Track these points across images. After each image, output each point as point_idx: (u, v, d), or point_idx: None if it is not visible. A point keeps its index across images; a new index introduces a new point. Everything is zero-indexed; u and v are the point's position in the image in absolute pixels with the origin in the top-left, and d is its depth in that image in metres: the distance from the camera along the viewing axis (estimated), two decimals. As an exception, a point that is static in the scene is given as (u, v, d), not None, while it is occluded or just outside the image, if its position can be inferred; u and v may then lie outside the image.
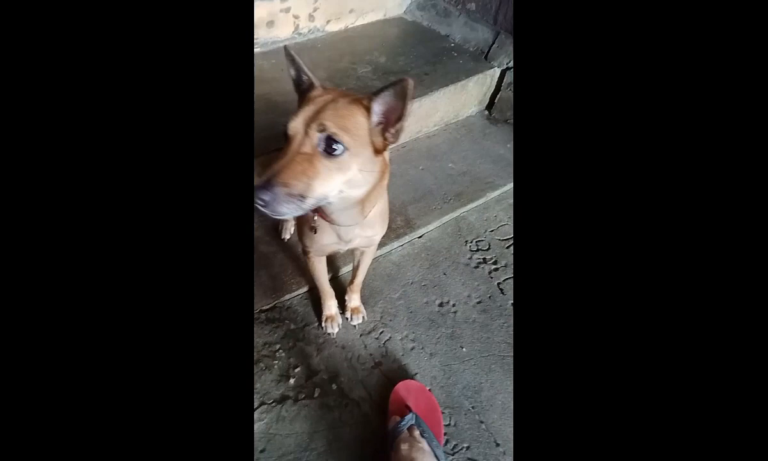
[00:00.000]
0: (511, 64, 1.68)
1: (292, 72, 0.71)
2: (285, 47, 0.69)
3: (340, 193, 0.65)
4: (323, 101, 0.62)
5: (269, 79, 1.52)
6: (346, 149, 0.60)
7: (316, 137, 0.60)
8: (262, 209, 0.57)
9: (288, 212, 0.59)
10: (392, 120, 0.63)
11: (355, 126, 0.61)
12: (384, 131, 0.64)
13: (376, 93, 0.61)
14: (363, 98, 0.63)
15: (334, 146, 0.59)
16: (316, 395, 0.99)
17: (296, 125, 0.61)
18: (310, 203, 0.61)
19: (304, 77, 0.69)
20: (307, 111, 0.62)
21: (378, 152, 0.66)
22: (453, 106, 1.70)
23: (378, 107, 0.62)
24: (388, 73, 1.60)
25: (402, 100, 0.59)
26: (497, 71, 1.71)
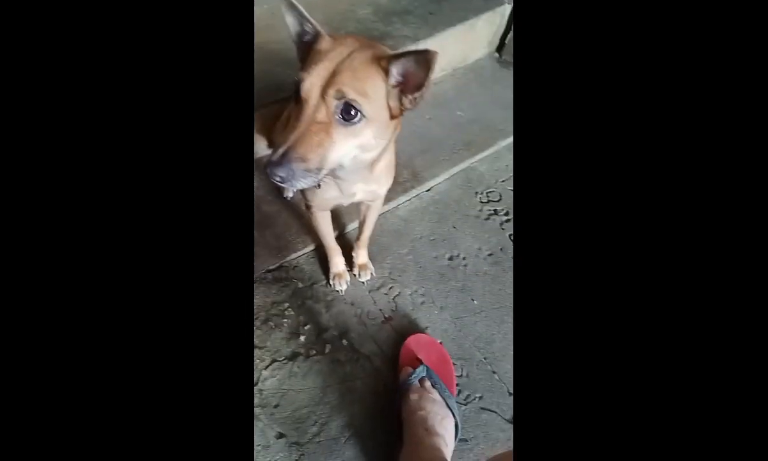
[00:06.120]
0: (524, -2, 1.55)
1: (291, 21, 0.63)
2: None
3: (354, 158, 0.61)
4: (338, 57, 0.56)
5: (263, 26, 1.42)
6: (364, 116, 0.56)
7: (333, 103, 0.55)
8: (279, 184, 0.55)
9: (305, 185, 0.57)
10: (411, 86, 0.58)
11: (374, 90, 0.56)
12: (401, 94, 0.59)
13: (396, 56, 0.55)
14: (381, 57, 0.57)
15: (352, 113, 0.55)
16: (327, 351, 0.99)
17: (310, 87, 0.56)
18: (324, 173, 0.58)
19: (308, 27, 0.62)
20: (321, 70, 0.56)
21: (393, 116, 0.61)
22: (461, 49, 1.58)
23: (396, 71, 0.57)
24: (390, 15, 1.48)
25: (424, 71, 0.54)
26: (508, 8, 1.57)
